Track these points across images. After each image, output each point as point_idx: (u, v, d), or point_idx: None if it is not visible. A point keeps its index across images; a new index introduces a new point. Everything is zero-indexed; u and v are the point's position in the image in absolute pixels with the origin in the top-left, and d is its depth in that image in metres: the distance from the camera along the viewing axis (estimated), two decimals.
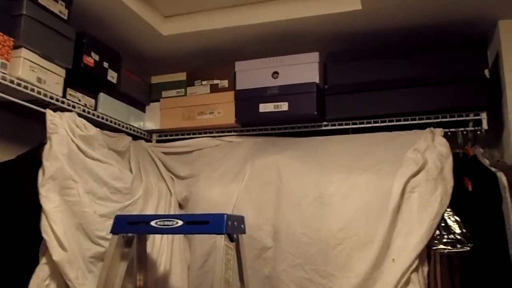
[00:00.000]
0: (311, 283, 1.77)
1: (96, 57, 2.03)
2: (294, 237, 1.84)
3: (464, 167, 1.84)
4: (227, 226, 1.46)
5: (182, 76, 2.39)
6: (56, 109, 1.82)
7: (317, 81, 2.11)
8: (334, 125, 2.15)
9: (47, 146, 1.70)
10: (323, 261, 1.77)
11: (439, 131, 1.93)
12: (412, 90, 2.03)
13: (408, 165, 1.80)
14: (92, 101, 2.06)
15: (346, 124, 2.13)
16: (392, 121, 2.07)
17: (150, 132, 2.44)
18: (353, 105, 2.10)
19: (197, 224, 1.49)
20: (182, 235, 2.05)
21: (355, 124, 2.12)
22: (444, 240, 1.68)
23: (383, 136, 2.03)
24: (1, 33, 1.61)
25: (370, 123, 2.10)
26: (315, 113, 2.06)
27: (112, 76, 2.13)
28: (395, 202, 1.73)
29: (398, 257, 1.67)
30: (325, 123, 2.16)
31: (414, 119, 2.04)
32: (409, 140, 1.93)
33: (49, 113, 1.76)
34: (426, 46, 2.05)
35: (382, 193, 1.78)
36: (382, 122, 2.08)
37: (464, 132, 2.01)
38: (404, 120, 2.06)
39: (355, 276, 1.70)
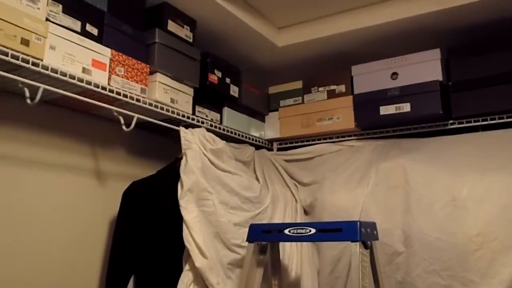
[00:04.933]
0: None
1: (219, 74, 2.15)
2: (427, 241, 1.78)
3: None
4: (361, 233, 1.46)
5: (298, 85, 2.44)
6: (187, 125, 1.96)
7: (440, 78, 2.03)
8: (462, 123, 2.04)
9: (183, 161, 1.84)
10: (461, 266, 1.70)
11: None
12: None
13: None
14: (218, 115, 2.18)
15: (475, 122, 2.01)
16: None
17: (271, 141, 2.52)
18: (481, 100, 1.97)
19: (330, 231, 1.51)
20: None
21: (485, 120, 1.99)
22: None
23: None
24: (139, 62, 1.78)
25: (502, 118, 1.95)
26: (441, 112, 1.98)
27: (234, 90, 2.24)
28: None
29: None
30: (451, 121, 2.06)
31: None
32: None
33: (182, 130, 1.90)
34: None
35: None
36: None
37: None
38: None
39: (499, 283, 1.61)
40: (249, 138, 2.36)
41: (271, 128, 2.48)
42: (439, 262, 1.75)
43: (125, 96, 1.70)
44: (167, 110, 1.88)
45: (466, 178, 1.80)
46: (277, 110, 2.48)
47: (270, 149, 2.51)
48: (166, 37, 1.88)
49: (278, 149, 2.51)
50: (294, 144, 2.46)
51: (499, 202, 1.71)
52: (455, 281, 1.70)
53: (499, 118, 1.97)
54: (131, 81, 1.74)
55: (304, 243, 2.08)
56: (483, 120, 2.00)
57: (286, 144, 2.49)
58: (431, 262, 1.76)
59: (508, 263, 1.61)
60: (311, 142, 2.39)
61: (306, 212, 2.23)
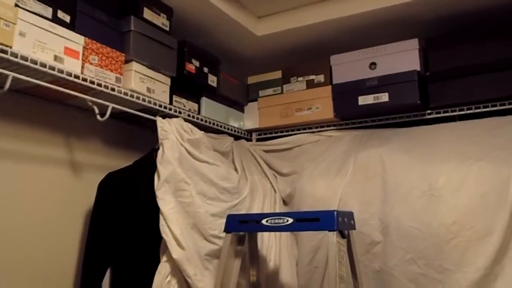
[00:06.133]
0: (426, 278, 1.72)
1: (197, 63, 2.12)
2: (404, 231, 1.79)
3: None
4: (338, 222, 1.46)
5: (277, 75, 2.42)
6: (164, 115, 1.94)
7: (418, 68, 2.03)
8: (439, 112, 2.05)
9: (160, 151, 1.81)
10: (437, 255, 1.71)
11: None
12: None
13: None
14: (196, 105, 2.15)
15: (452, 111, 2.02)
16: (504, 104, 1.92)
17: (250, 131, 2.50)
18: (458, 90, 1.98)
19: (307, 221, 1.51)
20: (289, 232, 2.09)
21: (462, 110, 2.00)
22: None
23: (495, 121, 1.90)
24: (114, 50, 1.74)
25: (479, 108, 1.97)
26: (418, 102, 1.98)
27: (212, 80, 2.22)
28: None
29: None
30: (429, 111, 2.07)
31: None
32: None
33: (159, 120, 1.87)
34: None
35: (500, 183, 1.68)
36: (492, 106, 1.94)
37: None
38: None
39: (473, 271, 1.63)
40: (228, 129, 2.34)
41: (250, 118, 2.46)
42: (416, 251, 1.76)
43: (99, 85, 1.67)
44: (143, 100, 1.84)
45: (442, 167, 1.82)
46: (256, 100, 2.45)
47: (249, 140, 2.49)
48: (141, 25, 1.84)
49: (257, 140, 2.50)
50: (274, 135, 2.44)
51: (475, 191, 1.72)
52: (431, 270, 1.72)
53: (475, 108, 1.98)
54: (106, 69, 1.70)
55: (283, 234, 2.07)
56: (460, 110, 2.01)
57: (265, 134, 2.48)
58: (408, 251, 1.78)
59: (482, 252, 1.63)
60: (290, 133, 2.38)
61: (285, 203, 2.22)
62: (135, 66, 1.81)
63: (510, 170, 1.66)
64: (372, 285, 1.85)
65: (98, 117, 1.71)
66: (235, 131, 2.40)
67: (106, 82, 1.69)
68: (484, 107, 1.96)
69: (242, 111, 2.48)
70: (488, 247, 1.62)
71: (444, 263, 1.70)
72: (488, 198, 1.68)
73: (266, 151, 2.36)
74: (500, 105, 1.94)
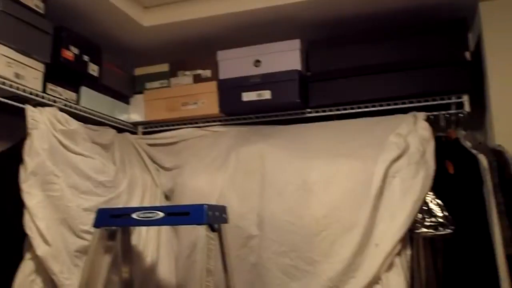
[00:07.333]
0: (296, 270, 1.79)
1: (76, 51, 2.01)
2: (278, 225, 1.84)
3: (446, 150, 1.85)
4: (208, 216, 1.46)
5: (165, 67, 2.38)
6: (36, 104, 1.81)
7: (299, 68, 2.11)
8: (318, 112, 2.15)
9: (27, 142, 1.70)
10: (307, 247, 1.78)
11: (422, 115, 1.94)
12: (394, 74, 2.02)
13: (390, 149, 1.80)
14: (74, 95, 2.04)
15: (329, 111, 2.13)
16: (375, 106, 2.07)
17: (135, 124, 2.43)
18: (336, 91, 2.10)
19: (178, 215, 1.50)
20: (169, 226, 2.06)
21: (339, 110, 2.12)
22: (426, 224, 1.69)
23: (366, 121, 2.03)
24: None
25: (353, 109, 2.10)
26: (298, 100, 2.06)
27: (93, 69, 2.12)
28: (377, 187, 1.73)
29: (381, 241, 1.68)
30: (308, 110, 2.16)
31: (397, 104, 2.04)
32: (392, 124, 1.93)
33: (28, 108, 1.75)
34: (406, 30, 2.05)
35: (365, 179, 1.78)
36: (365, 107, 2.08)
37: (447, 115, 2.01)
38: (387, 105, 2.06)
39: (338, 262, 1.71)
40: (112, 121, 2.25)
41: (136, 111, 2.39)
42: (288, 244, 1.82)
43: None
44: (10, 86, 1.71)
45: (316, 163, 1.90)
46: (142, 92, 2.39)
47: (135, 133, 2.42)
48: (9, 4, 1.70)
49: (144, 133, 2.44)
50: (160, 128, 2.40)
51: (344, 186, 1.82)
52: (301, 261, 1.79)
53: (350, 109, 2.10)
54: None
55: (163, 228, 2.04)
56: (337, 110, 2.12)
57: (151, 128, 2.42)
58: (281, 243, 1.83)
59: (348, 244, 1.72)
60: (176, 127, 2.35)
61: (167, 197, 2.19)
62: (0, 49, 1.68)
63: (374, 167, 1.77)
64: (247, 278, 1.88)
65: None
66: (119, 123, 2.32)
67: None
68: (357, 108, 2.09)
69: (128, 103, 2.41)
70: (352, 239, 1.72)
71: (313, 255, 1.78)
72: (355, 193, 1.78)
73: (151, 145, 2.31)
74: (372, 106, 2.08)
